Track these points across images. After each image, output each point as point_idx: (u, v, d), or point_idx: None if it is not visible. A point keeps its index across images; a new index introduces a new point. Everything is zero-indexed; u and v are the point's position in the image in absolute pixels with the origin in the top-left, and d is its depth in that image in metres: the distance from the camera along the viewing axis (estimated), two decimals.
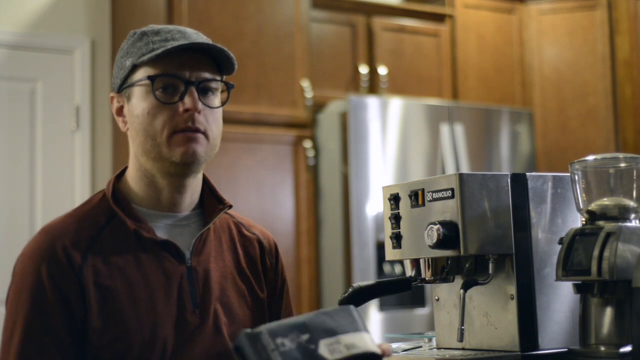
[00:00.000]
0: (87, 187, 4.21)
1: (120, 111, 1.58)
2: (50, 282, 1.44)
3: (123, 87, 1.55)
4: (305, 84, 4.19)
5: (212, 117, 1.53)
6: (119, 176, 1.60)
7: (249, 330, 1.21)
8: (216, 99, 1.55)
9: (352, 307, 1.30)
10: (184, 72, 1.50)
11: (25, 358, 1.43)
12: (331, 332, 1.23)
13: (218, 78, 1.54)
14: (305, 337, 1.21)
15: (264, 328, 1.21)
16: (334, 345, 1.21)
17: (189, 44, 1.50)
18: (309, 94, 4.19)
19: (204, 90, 1.52)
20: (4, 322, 1.48)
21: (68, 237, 1.48)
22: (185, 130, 1.49)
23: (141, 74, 1.52)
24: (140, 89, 1.51)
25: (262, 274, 1.65)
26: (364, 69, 4.53)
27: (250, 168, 4.03)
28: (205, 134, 1.51)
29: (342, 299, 1.67)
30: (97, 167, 4.28)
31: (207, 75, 1.52)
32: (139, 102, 1.52)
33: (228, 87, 1.57)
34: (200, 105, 1.50)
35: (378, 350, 1.25)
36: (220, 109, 1.57)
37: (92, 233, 1.50)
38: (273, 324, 1.22)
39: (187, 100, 1.49)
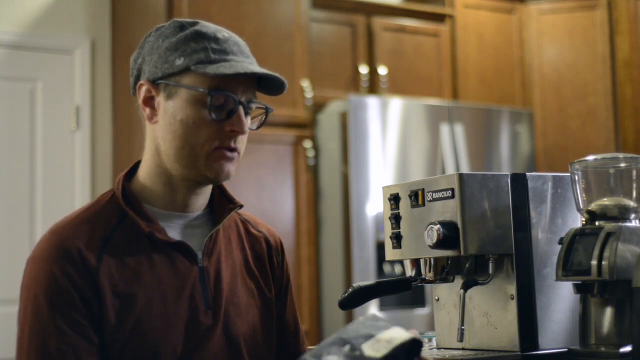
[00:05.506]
0: (87, 187, 4.21)
1: (149, 101, 1.52)
2: (67, 281, 1.42)
3: (164, 81, 1.50)
4: (305, 84, 4.19)
5: (245, 137, 1.55)
6: (129, 174, 1.57)
7: None
8: (249, 120, 1.55)
9: (375, 313, 1.36)
10: (238, 90, 1.50)
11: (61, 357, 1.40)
12: (368, 336, 1.30)
13: (262, 103, 1.55)
14: (346, 348, 1.28)
15: (306, 355, 1.29)
16: (376, 345, 1.29)
17: (265, 73, 1.49)
18: (309, 94, 4.19)
19: (246, 111, 1.53)
20: (20, 326, 1.45)
21: (81, 239, 1.46)
22: (225, 149, 1.50)
23: (195, 81, 1.47)
24: (190, 94, 1.48)
25: (270, 273, 1.65)
26: (364, 69, 4.53)
27: (250, 168, 4.03)
28: (238, 152, 1.52)
29: (342, 299, 1.67)
30: (97, 167, 4.28)
31: (252, 96, 1.53)
32: (184, 106, 1.48)
33: (267, 111, 1.57)
34: (246, 128, 1.51)
35: (417, 335, 1.33)
36: None
37: (104, 234, 1.48)
38: (312, 350, 1.29)
39: (236, 121, 1.49)
